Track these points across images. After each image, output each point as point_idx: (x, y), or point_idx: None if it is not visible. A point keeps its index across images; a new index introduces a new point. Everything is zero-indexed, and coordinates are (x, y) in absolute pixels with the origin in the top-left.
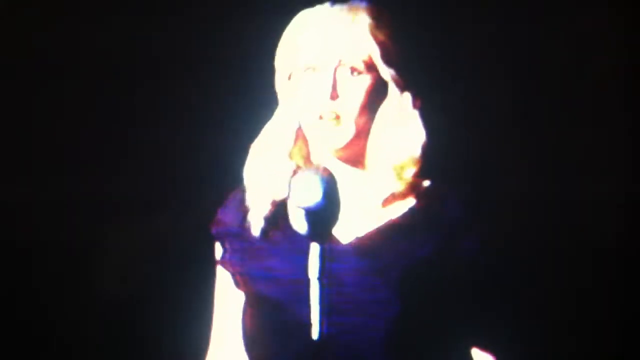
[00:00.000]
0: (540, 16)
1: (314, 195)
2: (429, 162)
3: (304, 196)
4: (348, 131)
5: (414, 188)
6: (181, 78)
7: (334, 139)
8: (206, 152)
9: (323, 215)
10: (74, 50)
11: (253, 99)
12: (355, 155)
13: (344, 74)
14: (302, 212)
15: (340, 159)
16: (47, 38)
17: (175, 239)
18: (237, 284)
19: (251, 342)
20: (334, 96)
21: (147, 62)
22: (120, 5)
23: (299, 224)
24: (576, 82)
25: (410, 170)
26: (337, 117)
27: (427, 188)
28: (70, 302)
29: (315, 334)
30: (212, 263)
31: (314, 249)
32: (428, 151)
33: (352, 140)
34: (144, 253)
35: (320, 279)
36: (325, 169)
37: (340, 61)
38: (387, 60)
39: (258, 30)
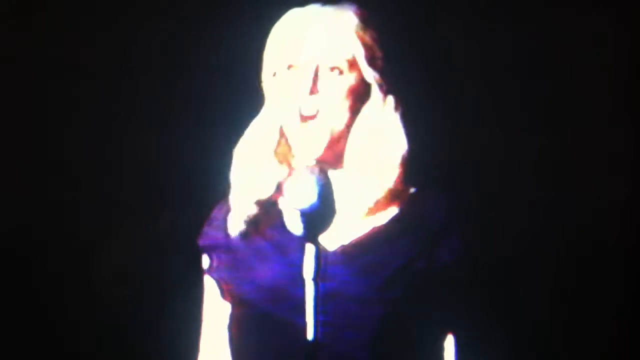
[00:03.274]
0: (532, 18)
1: (310, 197)
2: (411, 167)
3: (299, 197)
4: (326, 132)
5: (398, 194)
6: (178, 79)
7: (314, 143)
8: (205, 153)
9: (318, 217)
10: (74, 51)
11: (252, 99)
12: (336, 158)
13: (325, 72)
14: (298, 214)
15: (321, 161)
16: (46, 38)
17: (174, 240)
18: (224, 294)
19: (238, 351)
20: (313, 91)
21: (146, 64)
22: (111, 7)
23: (294, 225)
24: (568, 82)
25: (393, 176)
26: (317, 113)
27: (411, 194)
28: (70, 302)
29: (310, 334)
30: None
31: (309, 250)
32: (411, 156)
33: (332, 143)
34: (142, 254)
35: (315, 279)
36: (321, 170)
37: (322, 59)
38: (371, 62)
39: (248, 29)
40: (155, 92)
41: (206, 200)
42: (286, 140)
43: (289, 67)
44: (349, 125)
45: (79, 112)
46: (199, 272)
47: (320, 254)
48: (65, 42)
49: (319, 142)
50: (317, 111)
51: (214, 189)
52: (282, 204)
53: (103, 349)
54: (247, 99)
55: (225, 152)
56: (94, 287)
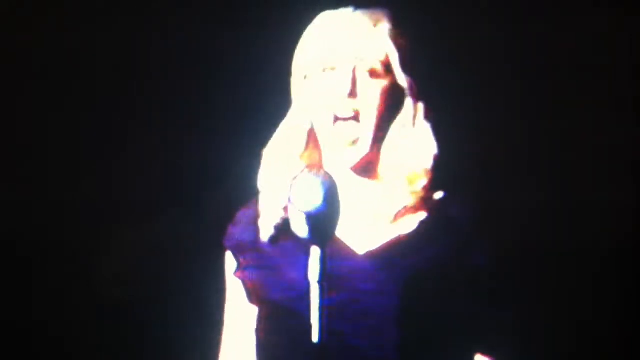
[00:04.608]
0: (559, 25)
1: (315, 200)
2: (440, 174)
3: (304, 200)
4: (365, 144)
5: (426, 201)
6: (191, 78)
7: (351, 153)
8: (213, 154)
9: (323, 220)
10: (78, 50)
11: (266, 102)
12: (369, 163)
13: (362, 75)
14: (303, 216)
15: (353, 166)
16: (46, 39)
17: (180, 241)
18: (250, 297)
19: (264, 353)
20: (353, 94)
21: (157, 63)
22: (134, 4)
23: (300, 228)
24: (593, 91)
25: (422, 182)
26: (355, 115)
27: (438, 200)
28: (70, 302)
29: (315, 336)
30: (218, 266)
31: (314, 252)
32: (439, 162)
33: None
34: (142, 255)
35: (320, 282)
36: (326, 173)
37: (359, 61)
38: (405, 66)
39: (277, 31)
40: (161, 93)
41: (216, 201)
42: (314, 143)
43: (325, 69)
44: (383, 129)
45: (80, 112)
46: (201, 273)
47: (325, 256)
48: (65, 42)
49: (356, 150)
50: (355, 113)
51: (223, 189)
52: (288, 207)
53: (103, 349)
54: (269, 101)
55: (239, 153)
56: (94, 287)
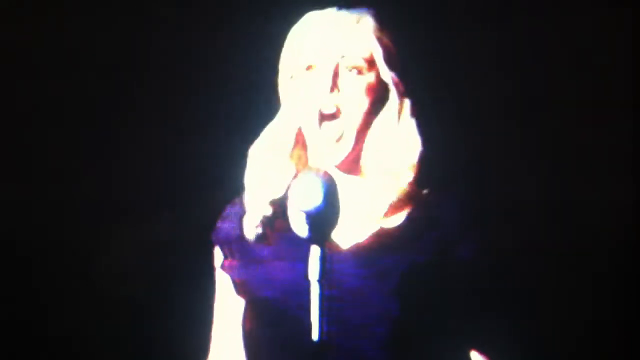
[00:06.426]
0: (544, 23)
1: (315, 199)
2: (426, 170)
3: (304, 199)
4: (348, 140)
5: (412, 196)
6: (183, 79)
7: (335, 151)
8: (207, 154)
9: (324, 219)
10: (75, 50)
11: (258, 100)
12: (353, 160)
13: (344, 71)
14: (303, 216)
15: (338, 164)
16: (46, 39)
17: (176, 241)
18: (237, 290)
19: (251, 347)
20: (333, 89)
21: (149, 63)
22: (120, 4)
23: (300, 227)
24: (574, 86)
25: (408, 177)
26: (337, 111)
27: (425, 196)
28: (70, 302)
29: (315, 335)
30: (213, 265)
31: (315, 251)
32: (425, 158)
33: (353, 144)
34: (143, 254)
35: (320, 281)
36: (325, 173)
37: (341, 58)
38: (389, 62)
39: (264, 32)
40: (161, 93)
41: (210, 200)
42: (302, 143)
43: (308, 67)
44: (367, 126)
45: (80, 111)
46: (201, 272)
47: (325, 255)
48: (65, 42)
49: (340, 148)
50: (337, 109)
51: (217, 189)
52: (287, 205)
53: (103, 349)
54: (260, 100)
55: (234, 153)
56: (94, 287)
